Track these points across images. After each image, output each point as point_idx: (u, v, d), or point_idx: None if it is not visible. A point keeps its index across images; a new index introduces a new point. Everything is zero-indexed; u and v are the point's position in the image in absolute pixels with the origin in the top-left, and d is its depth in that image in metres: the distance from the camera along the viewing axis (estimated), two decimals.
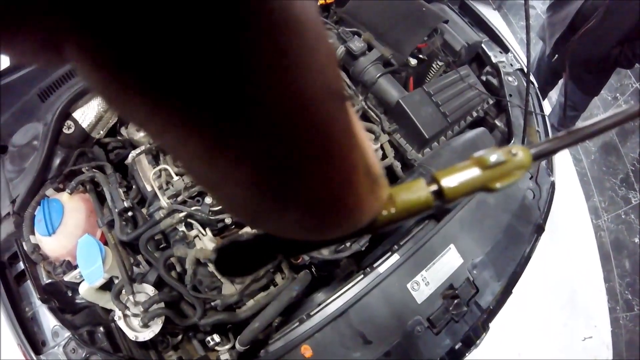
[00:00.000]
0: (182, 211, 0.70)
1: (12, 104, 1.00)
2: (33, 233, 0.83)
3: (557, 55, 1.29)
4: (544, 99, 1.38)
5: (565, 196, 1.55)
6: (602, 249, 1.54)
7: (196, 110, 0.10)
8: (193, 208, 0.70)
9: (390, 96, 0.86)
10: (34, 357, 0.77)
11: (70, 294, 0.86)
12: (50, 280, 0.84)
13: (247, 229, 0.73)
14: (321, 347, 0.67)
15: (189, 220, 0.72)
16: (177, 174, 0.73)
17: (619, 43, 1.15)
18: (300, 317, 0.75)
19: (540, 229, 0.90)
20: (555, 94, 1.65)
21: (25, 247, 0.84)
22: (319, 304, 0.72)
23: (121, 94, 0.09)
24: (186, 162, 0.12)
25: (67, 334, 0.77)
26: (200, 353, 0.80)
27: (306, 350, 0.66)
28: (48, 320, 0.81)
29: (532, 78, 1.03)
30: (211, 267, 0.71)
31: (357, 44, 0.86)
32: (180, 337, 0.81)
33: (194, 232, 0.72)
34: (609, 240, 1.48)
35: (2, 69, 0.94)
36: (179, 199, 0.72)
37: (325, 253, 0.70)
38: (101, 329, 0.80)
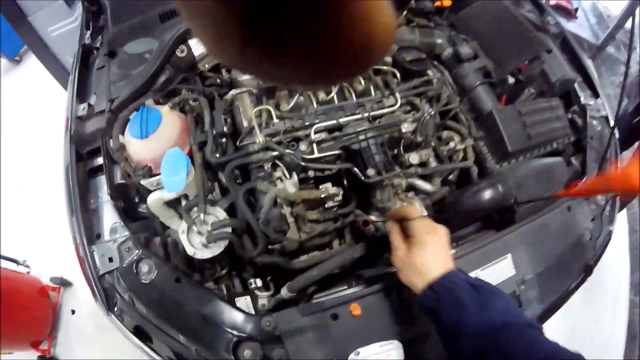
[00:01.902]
0: (275, 150, 0.72)
1: (130, 18, 1.05)
2: (123, 134, 0.86)
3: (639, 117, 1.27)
4: None
5: (611, 260, 1.51)
6: (631, 327, 1.49)
7: None
8: (287, 150, 0.71)
9: (485, 105, 0.87)
10: (86, 245, 0.78)
11: (136, 201, 0.88)
12: (123, 182, 0.86)
13: (327, 185, 0.74)
14: (370, 310, 0.67)
15: (277, 161, 0.74)
16: (277, 117, 0.76)
17: None
18: (350, 282, 0.75)
19: (589, 270, 0.89)
20: (628, 154, 1.62)
21: (112, 145, 0.87)
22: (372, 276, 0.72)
23: None
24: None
25: (126, 232, 0.78)
26: (239, 291, 0.80)
27: (355, 308, 0.66)
28: (109, 218, 0.82)
29: (616, 130, 1.03)
30: (285, 210, 0.72)
31: (465, 50, 0.88)
32: (224, 271, 0.82)
33: (278, 174, 0.74)
34: None
35: None
36: (275, 139, 0.74)
37: None
38: (158, 239, 0.81)
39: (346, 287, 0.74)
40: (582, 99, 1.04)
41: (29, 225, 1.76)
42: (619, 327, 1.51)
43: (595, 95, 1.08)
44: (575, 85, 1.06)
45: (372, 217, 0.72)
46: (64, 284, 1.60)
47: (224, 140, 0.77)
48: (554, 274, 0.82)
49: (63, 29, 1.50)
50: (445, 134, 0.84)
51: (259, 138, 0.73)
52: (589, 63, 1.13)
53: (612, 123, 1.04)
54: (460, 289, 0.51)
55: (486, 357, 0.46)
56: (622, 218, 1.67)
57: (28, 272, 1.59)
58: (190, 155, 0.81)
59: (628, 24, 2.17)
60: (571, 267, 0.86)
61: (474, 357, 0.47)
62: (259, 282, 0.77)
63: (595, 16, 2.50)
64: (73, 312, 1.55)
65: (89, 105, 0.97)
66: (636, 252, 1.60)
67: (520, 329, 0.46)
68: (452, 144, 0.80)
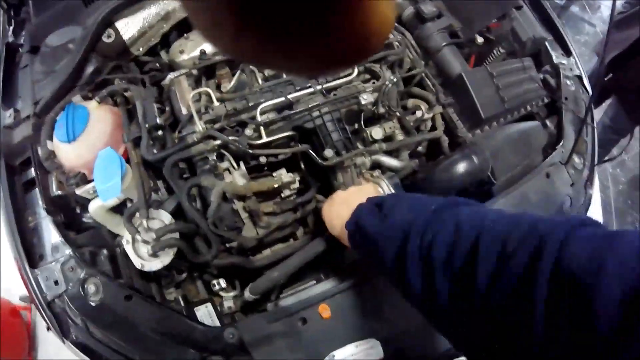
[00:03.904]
0: (217, 139, 0.60)
1: (52, 7, 0.90)
2: (51, 139, 0.74)
3: (611, 75, 1.19)
4: None
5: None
6: None
7: None
8: (231, 138, 0.60)
9: (453, 68, 0.77)
10: (28, 270, 0.68)
11: (78, 211, 0.76)
12: (60, 193, 0.75)
13: (281, 172, 0.63)
14: (341, 309, 0.58)
15: (222, 151, 0.63)
16: (218, 99, 0.64)
17: None
18: (318, 275, 0.66)
19: None
20: (597, 114, 1.56)
21: (40, 153, 0.74)
22: (343, 267, 0.63)
23: None
24: None
25: (67, 250, 0.68)
26: (202, 295, 0.71)
27: (324, 309, 0.57)
28: (50, 235, 0.72)
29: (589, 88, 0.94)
30: (237, 205, 0.61)
31: (429, 8, 0.76)
32: (184, 275, 0.71)
33: (224, 165, 0.63)
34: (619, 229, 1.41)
35: None
36: (217, 126, 0.62)
37: None
38: (105, 251, 0.70)
39: (314, 281, 0.64)
40: (554, 58, 0.95)
41: None
42: None
43: (567, 53, 0.99)
44: (546, 43, 0.96)
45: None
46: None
47: (160, 133, 0.64)
48: None
49: None
50: (410, 102, 0.74)
51: (199, 126, 0.61)
52: (558, 21, 1.03)
53: (586, 84, 0.95)
54: (363, 214, 0.47)
55: (405, 262, 0.39)
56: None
57: None
58: (127, 154, 0.69)
59: None
60: None
61: (395, 265, 0.40)
62: (223, 283, 0.68)
63: None
64: (48, 328, 1.45)
65: (15, 110, 0.83)
66: (609, 208, 1.56)
67: (425, 222, 0.39)
68: (418, 113, 0.70)
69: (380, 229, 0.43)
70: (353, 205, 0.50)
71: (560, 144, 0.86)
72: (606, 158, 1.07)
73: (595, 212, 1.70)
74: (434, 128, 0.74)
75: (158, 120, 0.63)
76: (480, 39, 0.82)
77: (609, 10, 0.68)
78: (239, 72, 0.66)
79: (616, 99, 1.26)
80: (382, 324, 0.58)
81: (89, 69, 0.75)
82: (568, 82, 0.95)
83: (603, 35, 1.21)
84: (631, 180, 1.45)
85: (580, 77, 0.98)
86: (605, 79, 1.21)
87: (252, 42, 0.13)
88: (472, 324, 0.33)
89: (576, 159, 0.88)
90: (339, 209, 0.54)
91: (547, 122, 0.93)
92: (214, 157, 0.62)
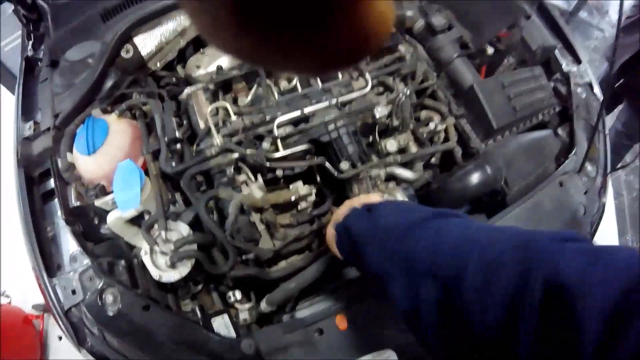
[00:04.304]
0: (235, 152, 0.61)
1: (71, 22, 0.92)
2: (71, 151, 0.75)
3: (622, 80, 1.19)
4: None
5: (600, 226, 1.46)
6: None
7: None
8: (248, 151, 0.61)
9: (464, 79, 0.77)
10: (47, 279, 0.69)
11: (96, 222, 0.77)
12: (78, 203, 0.76)
13: (297, 184, 0.64)
14: (358, 320, 0.58)
15: (239, 163, 0.63)
16: (235, 113, 0.65)
17: None
18: (333, 286, 0.66)
19: None
20: (610, 119, 1.55)
21: (59, 165, 0.75)
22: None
23: None
24: None
25: (86, 261, 0.68)
26: (218, 306, 0.71)
27: (341, 320, 0.57)
28: (68, 245, 0.73)
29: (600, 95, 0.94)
30: (254, 217, 0.62)
31: (439, 20, 0.77)
32: (200, 286, 0.72)
33: (242, 177, 0.63)
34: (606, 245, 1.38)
35: None
36: (234, 139, 0.63)
37: None
38: (122, 262, 0.71)
39: (330, 292, 0.64)
40: (564, 65, 0.95)
41: (3, 255, 1.64)
42: None
43: (577, 61, 0.98)
44: (555, 51, 0.96)
45: None
46: (46, 310, 1.50)
47: (178, 146, 0.65)
48: None
49: (15, 42, 1.36)
50: (423, 114, 0.74)
51: (217, 140, 0.62)
52: (567, 28, 1.03)
53: (596, 90, 0.95)
54: (353, 217, 0.46)
55: (388, 270, 0.37)
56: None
57: (9, 303, 1.49)
58: (146, 166, 0.70)
59: None
60: None
61: (377, 273, 0.39)
62: (238, 295, 0.68)
63: None
64: (60, 338, 1.46)
65: (35, 123, 0.85)
66: (623, 215, 1.54)
67: (408, 228, 0.38)
68: (432, 125, 0.70)
69: (365, 231, 0.42)
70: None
71: (573, 152, 0.85)
72: (619, 165, 1.06)
73: (610, 219, 1.68)
74: (447, 139, 0.74)
75: (177, 134, 0.64)
76: (490, 49, 0.82)
77: (617, 14, 0.67)
78: (255, 86, 0.66)
79: (628, 104, 1.25)
80: (397, 334, 0.58)
81: (108, 83, 0.77)
82: (579, 89, 0.95)
83: (612, 40, 1.20)
84: None
85: (590, 84, 0.98)
86: (616, 85, 1.20)
87: (251, 41, 0.13)
88: (455, 335, 0.32)
89: (589, 166, 0.87)
90: (337, 216, 0.52)
91: (559, 130, 0.92)
92: (232, 170, 0.63)
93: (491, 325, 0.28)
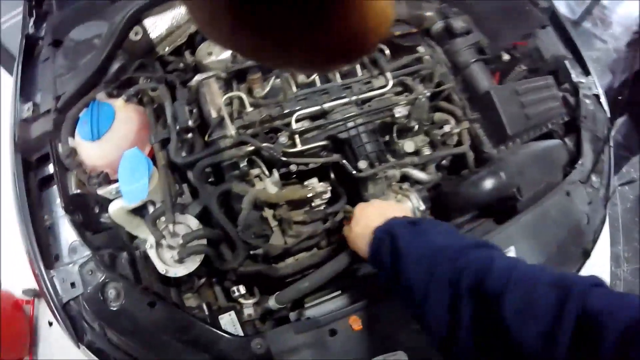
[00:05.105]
0: (250, 144, 0.58)
1: (77, 0, 0.87)
2: (72, 136, 0.71)
3: (625, 94, 1.20)
4: None
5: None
6: None
7: None
8: (264, 144, 0.58)
9: (480, 84, 0.76)
10: (43, 270, 0.65)
11: (96, 211, 0.73)
12: (79, 191, 0.71)
13: (313, 181, 0.62)
14: (371, 321, 0.56)
15: (253, 157, 0.61)
16: (252, 105, 0.62)
17: None
18: (343, 285, 0.64)
19: (587, 255, 0.82)
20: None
21: (60, 150, 0.71)
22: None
23: None
24: None
25: (87, 252, 0.64)
26: (221, 301, 0.68)
27: (355, 321, 0.56)
28: (67, 235, 0.69)
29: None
30: (266, 213, 0.59)
31: (459, 24, 0.76)
32: (202, 280, 0.69)
33: (255, 171, 0.61)
34: (623, 291, 1.41)
35: None
36: (249, 131, 0.60)
37: None
38: (125, 254, 0.67)
39: (339, 292, 0.63)
40: (573, 76, 0.95)
41: None
42: None
43: (586, 72, 0.99)
44: (566, 62, 0.96)
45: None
46: (37, 295, 1.45)
47: (189, 135, 0.62)
48: (555, 264, 0.74)
49: (14, 19, 1.28)
50: (437, 116, 0.73)
51: (231, 131, 0.59)
52: (577, 40, 1.04)
53: (602, 101, 0.96)
54: (397, 226, 0.46)
55: (429, 283, 0.39)
56: None
57: None
58: (152, 155, 0.66)
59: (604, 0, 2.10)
60: (571, 255, 0.78)
61: (416, 284, 0.40)
62: (242, 289, 0.65)
63: None
64: (50, 323, 1.41)
65: (34, 104, 0.80)
66: (617, 225, 1.58)
67: (460, 250, 0.40)
68: (446, 128, 0.69)
69: (412, 244, 0.43)
70: (387, 215, 0.49)
71: (580, 162, 0.86)
72: (625, 181, 1.07)
73: (603, 228, 1.71)
74: (460, 143, 0.73)
75: (190, 123, 0.61)
76: (506, 56, 0.82)
77: (621, 26, 0.68)
78: (273, 77, 0.64)
79: (629, 117, 1.27)
80: (409, 335, 0.57)
81: (115, 66, 0.72)
82: (587, 100, 0.95)
83: (616, 54, 1.21)
84: (639, 197, 1.46)
85: (597, 96, 0.99)
86: (619, 98, 1.22)
87: (248, 37, 0.13)
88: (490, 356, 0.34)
89: (594, 177, 0.88)
90: (370, 217, 0.52)
91: (567, 140, 0.93)
92: (245, 163, 0.60)
93: (528, 345, 0.31)
